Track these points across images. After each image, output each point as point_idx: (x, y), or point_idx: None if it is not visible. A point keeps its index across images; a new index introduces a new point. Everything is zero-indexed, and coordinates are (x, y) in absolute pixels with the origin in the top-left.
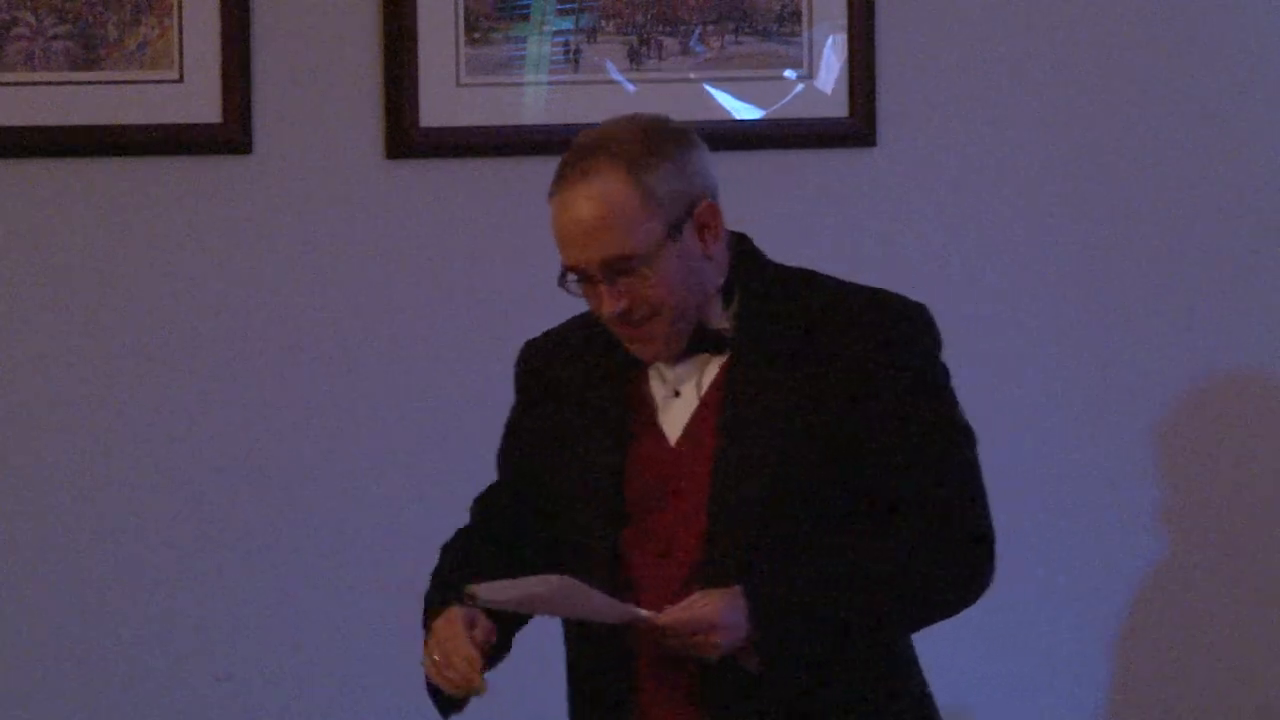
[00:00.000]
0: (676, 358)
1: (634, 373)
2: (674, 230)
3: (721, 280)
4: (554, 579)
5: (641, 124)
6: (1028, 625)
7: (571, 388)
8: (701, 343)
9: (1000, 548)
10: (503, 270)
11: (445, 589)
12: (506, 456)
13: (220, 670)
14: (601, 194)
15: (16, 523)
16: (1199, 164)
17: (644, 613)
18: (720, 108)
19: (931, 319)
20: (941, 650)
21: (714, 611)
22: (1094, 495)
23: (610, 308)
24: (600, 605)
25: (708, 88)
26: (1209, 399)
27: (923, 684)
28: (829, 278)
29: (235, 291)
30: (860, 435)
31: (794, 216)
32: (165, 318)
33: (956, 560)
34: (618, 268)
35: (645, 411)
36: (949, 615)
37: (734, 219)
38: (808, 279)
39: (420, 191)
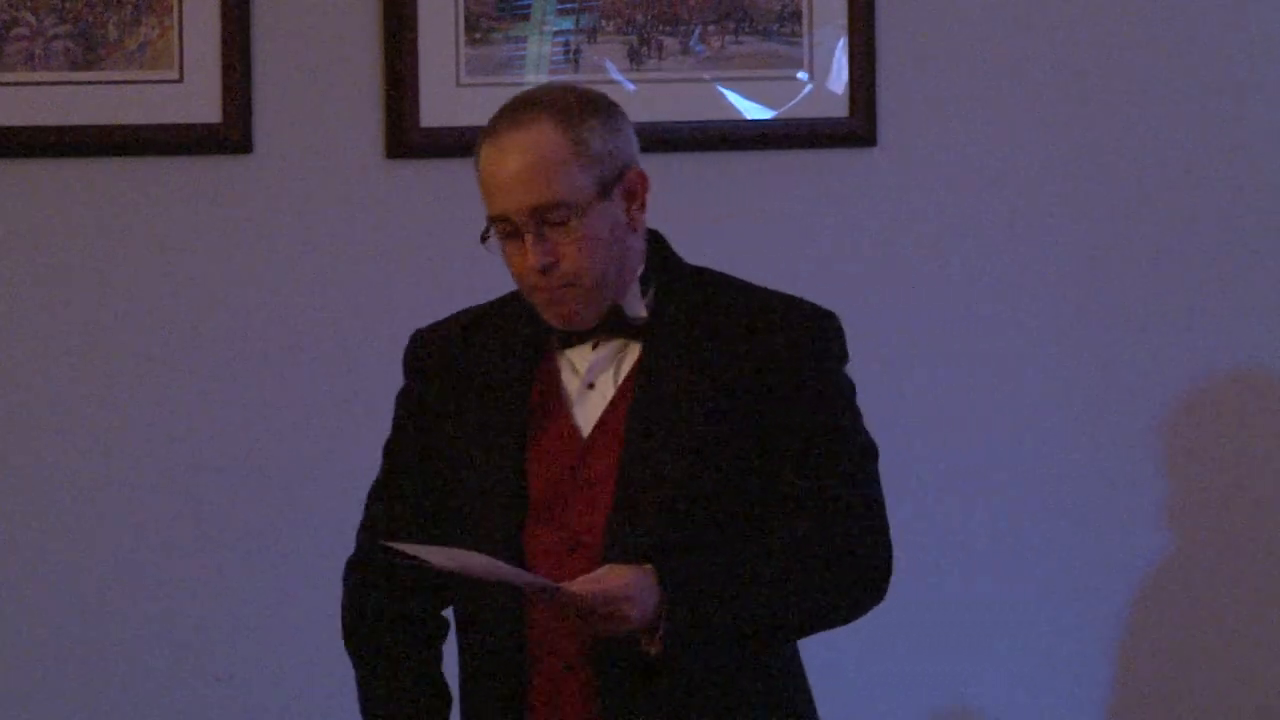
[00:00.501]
0: (593, 343)
1: (544, 365)
2: (604, 189)
3: (641, 265)
4: (475, 555)
5: (574, 87)
6: (1028, 625)
7: (473, 378)
8: (618, 328)
9: (1001, 547)
10: (502, 270)
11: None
12: (399, 451)
13: (220, 670)
14: (535, 141)
15: (16, 523)
16: (1199, 164)
17: (553, 583)
18: (731, 107)
19: (841, 329)
20: (942, 650)
21: (624, 583)
22: (1094, 495)
23: (534, 260)
24: (512, 577)
25: (719, 87)
26: (1209, 399)
27: (810, 699)
28: (741, 280)
29: (235, 291)
30: (765, 437)
31: (794, 216)
32: (165, 318)
33: (854, 568)
34: (546, 217)
35: (558, 404)
36: (841, 623)
37: (734, 218)
38: (720, 279)
39: (420, 191)
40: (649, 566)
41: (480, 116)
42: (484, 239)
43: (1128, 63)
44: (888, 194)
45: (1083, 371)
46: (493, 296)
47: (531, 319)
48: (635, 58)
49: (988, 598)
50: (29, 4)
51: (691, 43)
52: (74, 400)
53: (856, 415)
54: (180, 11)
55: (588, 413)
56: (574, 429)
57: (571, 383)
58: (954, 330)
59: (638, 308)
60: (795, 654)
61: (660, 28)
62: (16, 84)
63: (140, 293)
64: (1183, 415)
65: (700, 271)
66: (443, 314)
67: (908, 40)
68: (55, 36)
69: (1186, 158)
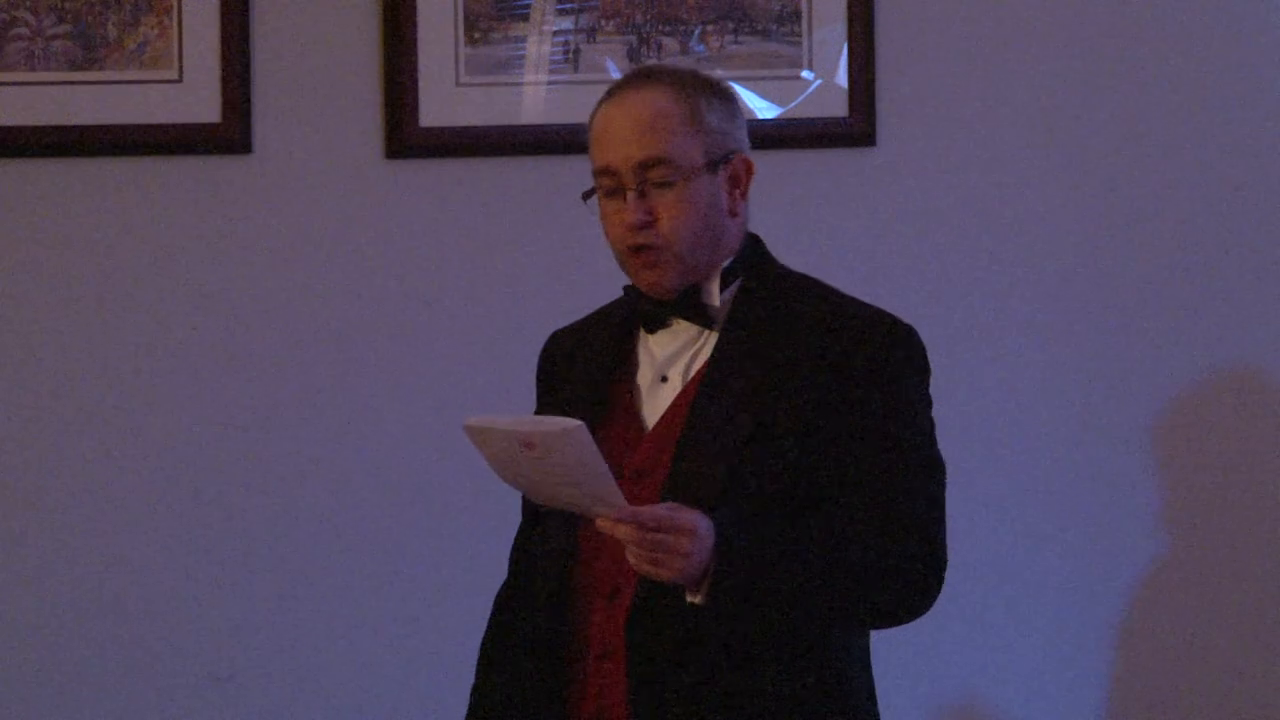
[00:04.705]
0: (669, 324)
1: (629, 357)
2: (711, 164)
3: (730, 257)
4: (565, 420)
5: (699, 70)
6: (1028, 624)
7: (570, 376)
8: (694, 312)
9: (1001, 547)
10: (502, 270)
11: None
12: None
13: (220, 670)
14: (652, 101)
15: (17, 523)
16: (1199, 164)
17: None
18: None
19: (917, 343)
20: (943, 649)
21: (691, 517)
22: (1094, 495)
23: (633, 215)
24: (592, 471)
25: (734, 85)
26: (1209, 399)
27: (863, 696)
28: (832, 288)
29: (235, 291)
30: (823, 442)
31: (794, 216)
32: (165, 317)
33: (894, 576)
34: (652, 176)
35: (631, 397)
36: (878, 625)
37: None
38: (810, 284)
39: (420, 191)
40: (711, 516)
41: (480, 117)
42: (585, 197)
43: (1128, 63)
44: (888, 194)
45: (1082, 372)
46: (490, 296)
47: (623, 306)
48: (635, 58)
49: (988, 598)
50: (29, 4)
51: (691, 43)
52: (74, 400)
53: (922, 430)
54: (180, 11)
55: (655, 406)
56: (639, 422)
57: (646, 376)
58: (953, 330)
59: (713, 297)
60: (846, 677)
61: (660, 28)
62: (16, 84)
63: (140, 293)
64: (1182, 415)
65: (792, 275)
66: (442, 313)
67: (908, 40)
68: (55, 36)
69: (1186, 158)
